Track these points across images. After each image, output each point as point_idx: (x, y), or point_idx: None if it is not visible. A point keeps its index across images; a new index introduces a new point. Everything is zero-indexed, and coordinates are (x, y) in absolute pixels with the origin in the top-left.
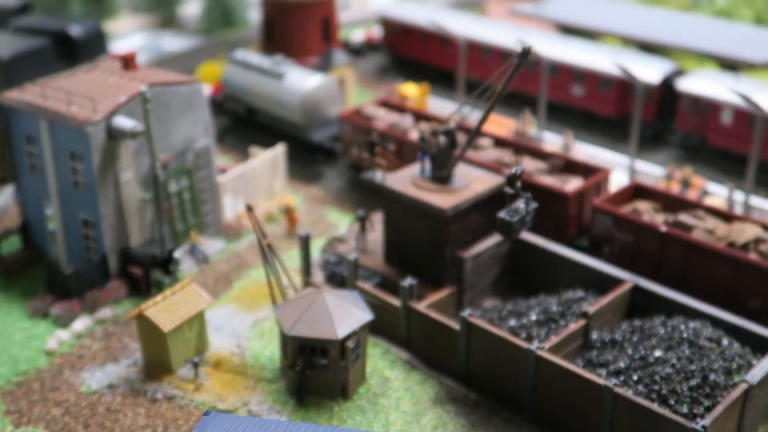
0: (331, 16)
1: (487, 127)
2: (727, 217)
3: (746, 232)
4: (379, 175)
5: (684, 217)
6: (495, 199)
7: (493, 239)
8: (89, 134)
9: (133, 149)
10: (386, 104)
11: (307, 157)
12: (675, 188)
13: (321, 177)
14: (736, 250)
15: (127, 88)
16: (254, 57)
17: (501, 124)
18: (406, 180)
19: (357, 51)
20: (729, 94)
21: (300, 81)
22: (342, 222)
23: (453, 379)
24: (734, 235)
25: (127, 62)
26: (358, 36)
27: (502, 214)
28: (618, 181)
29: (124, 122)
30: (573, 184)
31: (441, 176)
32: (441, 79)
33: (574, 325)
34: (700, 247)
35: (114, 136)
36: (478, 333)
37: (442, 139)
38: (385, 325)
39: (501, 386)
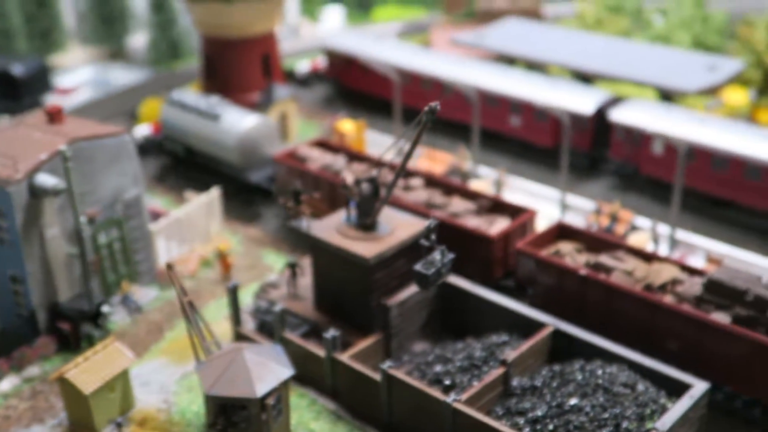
0: (271, 51)
1: (425, 164)
2: (647, 257)
3: (663, 273)
4: (305, 223)
5: (604, 259)
6: (414, 245)
7: None
8: (10, 193)
9: (57, 205)
10: (321, 144)
11: (246, 197)
12: (604, 222)
13: (259, 217)
14: (653, 292)
15: (50, 145)
16: (191, 97)
17: (438, 160)
18: (332, 227)
19: (303, 81)
20: (659, 124)
21: (236, 122)
22: (278, 265)
23: (378, 430)
24: (652, 276)
25: (53, 116)
26: (303, 66)
27: (418, 267)
28: (551, 214)
29: (46, 180)
30: (499, 225)
31: (366, 223)
32: (385, 110)
33: (494, 373)
34: (618, 290)
35: (37, 193)
36: (397, 384)
37: (365, 186)
38: (312, 375)
39: None
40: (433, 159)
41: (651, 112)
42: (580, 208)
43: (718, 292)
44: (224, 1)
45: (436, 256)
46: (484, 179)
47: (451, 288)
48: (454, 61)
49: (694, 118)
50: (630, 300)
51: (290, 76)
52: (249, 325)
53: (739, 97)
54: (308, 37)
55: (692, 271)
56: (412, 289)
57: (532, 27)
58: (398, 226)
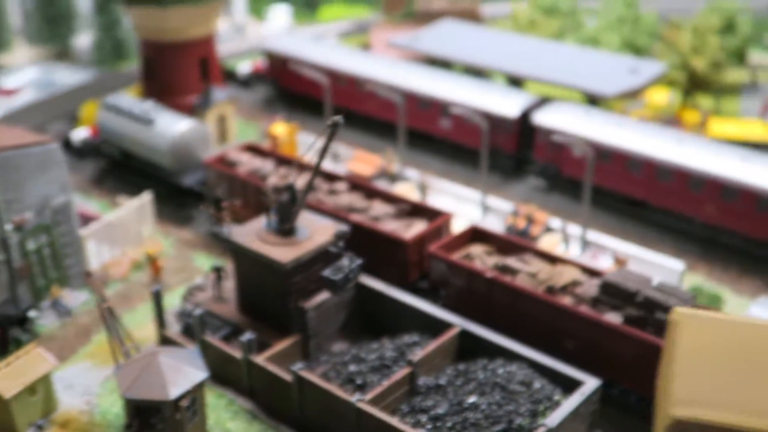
0: (209, 54)
1: (355, 166)
2: (552, 259)
3: (565, 275)
4: (226, 229)
5: (511, 262)
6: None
7: None
8: None
9: None
10: (251, 148)
11: (179, 200)
12: (521, 224)
13: (192, 220)
14: (555, 293)
15: None
16: (126, 102)
17: (368, 162)
18: (252, 233)
19: (244, 82)
20: (579, 127)
21: (169, 126)
22: (208, 267)
23: (292, 428)
24: (555, 278)
25: None
26: (245, 67)
27: (327, 273)
28: (474, 217)
29: None
30: (415, 229)
31: (284, 229)
32: (322, 112)
33: (400, 373)
34: (521, 292)
35: None
36: (307, 385)
37: (283, 193)
38: (230, 376)
39: None
40: (363, 161)
41: (571, 114)
42: (501, 210)
43: (612, 293)
44: (159, 5)
45: (345, 261)
46: (409, 182)
47: (368, 290)
48: (384, 63)
49: (611, 120)
50: (532, 301)
51: (232, 77)
52: (175, 327)
53: (662, 97)
54: (254, 36)
55: (592, 273)
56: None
57: (466, 29)
58: (317, 231)
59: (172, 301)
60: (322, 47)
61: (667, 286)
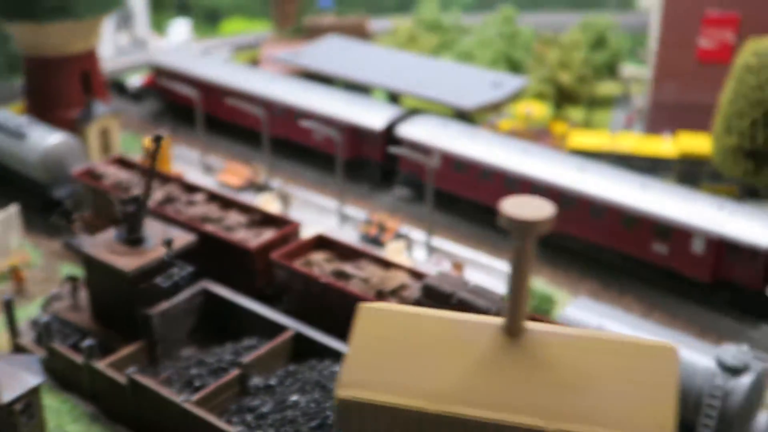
0: (92, 68)
1: (225, 177)
2: (386, 264)
3: (395, 279)
4: (77, 240)
5: (347, 267)
6: (188, 256)
7: (185, 293)
8: None
9: None
10: (119, 161)
11: (50, 213)
12: (373, 231)
13: (61, 232)
14: (384, 297)
15: None
16: (1, 116)
17: (237, 173)
18: (102, 243)
19: (135, 96)
20: (434, 138)
21: (40, 139)
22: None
23: (129, 430)
24: (385, 282)
25: None
26: (135, 80)
27: (158, 280)
28: (331, 226)
29: None
30: (264, 238)
31: (132, 239)
32: (207, 125)
33: (229, 375)
34: (352, 296)
35: None
36: (140, 388)
37: (129, 205)
38: (75, 382)
39: None
40: (232, 173)
41: (429, 127)
42: (359, 219)
43: (431, 295)
44: (36, 21)
45: (175, 269)
46: (271, 193)
47: (215, 297)
48: (260, 77)
49: (466, 132)
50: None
51: (123, 91)
52: (29, 336)
53: (533, 110)
54: (155, 50)
55: (420, 276)
56: (176, 299)
57: (348, 45)
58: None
59: (34, 311)
60: (197, 61)
61: (479, 288)
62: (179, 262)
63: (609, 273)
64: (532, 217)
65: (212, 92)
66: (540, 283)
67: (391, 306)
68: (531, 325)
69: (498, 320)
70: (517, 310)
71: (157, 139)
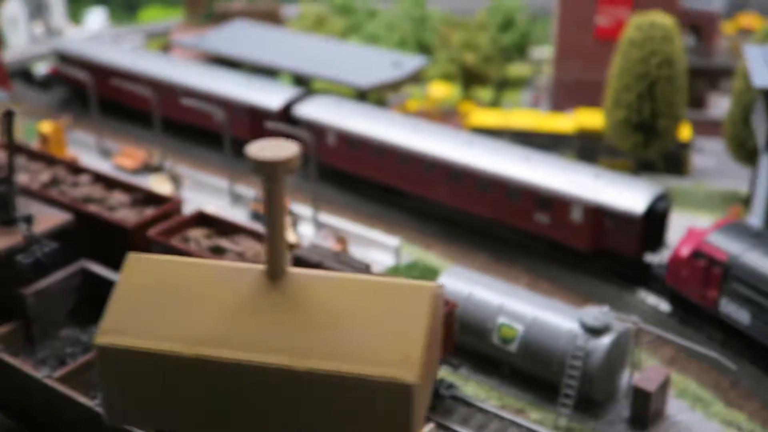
0: None
1: (121, 160)
2: (261, 238)
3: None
4: None
5: (223, 242)
6: (63, 235)
7: (61, 273)
8: None
9: None
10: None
11: None
12: (261, 209)
13: None
14: None
15: None
16: None
17: (132, 156)
18: None
19: (43, 83)
20: (332, 117)
21: None
22: None
23: None
24: (261, 256)
25: None
26: (41, 68)
27: (20, 257)
28: (223, 205)
29: None
30: (143, 215)
31: (5, 220)
32: (113, 111)
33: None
34: None
35: None
36: (1, 364)
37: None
38: None
39: (25, 412)
40: (128, 156)
41: (324, 106)
42: (246, 196)
43: (302, 266)
44: None
45: (36, 246)
46: (161, 174)
47: (95, 276)
48: (159, 61)
49: (361, 112)
50: None
51: (30, 79)
52: None
53: (440, 91)
54: (73, 37)
55: (293, 248)
56: (51, 278)
57: (254, 29)
58: (40, 221)
59: None
60: (97, 47)
61: (348, 257)
62: (43, 239)
63: (500, 246)
64: (278, 157)
65: (106, 76)
66: (432, 257)
67: (160, 256)
68: (294, 269)
69: (262, 266)
70: (275, 252)
71: (8, 115)
